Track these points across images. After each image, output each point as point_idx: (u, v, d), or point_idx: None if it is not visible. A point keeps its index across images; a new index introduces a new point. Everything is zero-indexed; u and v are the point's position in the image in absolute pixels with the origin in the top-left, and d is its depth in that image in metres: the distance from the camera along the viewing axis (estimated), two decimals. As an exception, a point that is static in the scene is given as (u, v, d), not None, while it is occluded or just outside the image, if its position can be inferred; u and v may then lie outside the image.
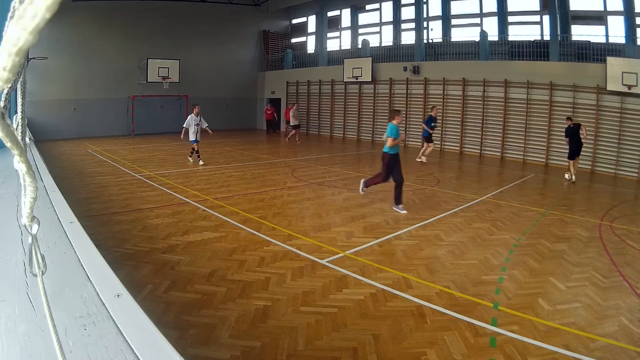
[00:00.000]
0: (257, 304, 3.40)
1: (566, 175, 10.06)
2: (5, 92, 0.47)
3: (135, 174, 8.88)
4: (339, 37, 20.86)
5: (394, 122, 6.53)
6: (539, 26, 14.04)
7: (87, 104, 16.01)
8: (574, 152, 9.68)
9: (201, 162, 10.34)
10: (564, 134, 10.00)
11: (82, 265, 1.39)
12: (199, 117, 10.24)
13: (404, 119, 15.59)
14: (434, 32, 16.69)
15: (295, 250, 4.65)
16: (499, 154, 13.56)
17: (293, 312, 3.30)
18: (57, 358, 0.74)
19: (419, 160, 11.45)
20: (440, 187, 8.47)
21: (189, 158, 10.80)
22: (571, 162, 9.82)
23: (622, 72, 10.72)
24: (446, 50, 15.90)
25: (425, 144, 11.83)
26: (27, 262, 0.80)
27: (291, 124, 15.76)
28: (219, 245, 4.74)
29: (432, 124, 11.37)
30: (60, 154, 11.70)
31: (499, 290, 3.78)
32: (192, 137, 10.28)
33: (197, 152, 10.49)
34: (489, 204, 7.12)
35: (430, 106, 12.96)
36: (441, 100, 14.91)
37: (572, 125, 9.70)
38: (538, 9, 13.98)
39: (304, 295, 3.59)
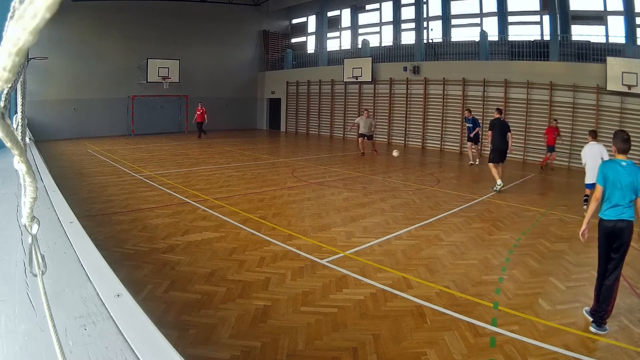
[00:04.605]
0: (257, 304, 3.40)
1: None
2: (5, 92, 0.47)
3: (135, 174, 8.87)
4: (339, 37, 20.86)
5: None
6: (539, 26, 14.04)
7: (87, 104, 16.01)
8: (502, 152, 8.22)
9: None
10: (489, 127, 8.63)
11: (82, 265, 1.39)
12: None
13: (403, 119, 15.61)
14: (434, 32, 16.70)
15: (295, 250, 4.65)
16: (499, 154, 13.55)
17: (293, 312, 3.30)
18: (57, 358, 0.74)
19: None
20: (440, 187, 8.47)
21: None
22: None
23: (622, 72, 10.71)
24: (446, 50, 15.89)
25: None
26: (27, 262, 0.80)
27: (360, 132, 12.89)
28: (219, 245, 4.74)
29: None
30: (60, 154, 11.70)
31: (499, 290, 3.78)
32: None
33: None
34: (489, 204, 7.12)
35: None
36: (441, 100, 14.91)
37: (501, 120, 8.55)
38: (538, 9, 13.98)
39: (304, 295, 3.59)
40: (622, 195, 3.20)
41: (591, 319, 3.21)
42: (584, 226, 3.39)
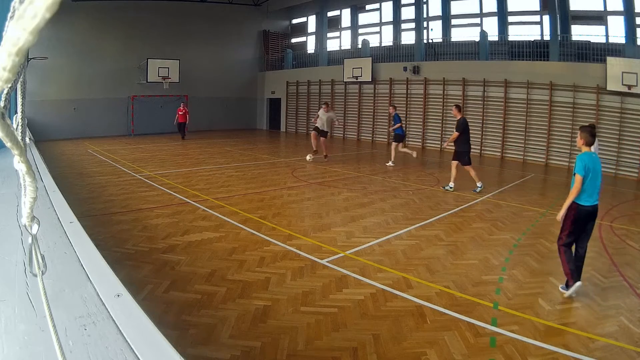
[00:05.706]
0: (257, 304, 3.40)
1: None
2: (5, 92, 0.47)
3: (135, 174, 8.87)
4: (339, 37, 20.85)
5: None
6: (539, 26, 14.03)
7: (87, 104, 16.00)
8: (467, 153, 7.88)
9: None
10: (456, 127, 7.90)
11: (82, 265, 1.39)
12: None
13: (404, 119, 15.56)
14: (434, 32, 16.70)
15: (295, 250, 4.65)
16: (499, 154, 13.55)
17: (293, 312, 3.30)
18: (57, 358, 0.74)
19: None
20: (440, 187, 8.46)
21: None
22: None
23: (622, 72, 10.71)
24: (446, 50, 15.89)
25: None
26: (27, 262, 0.80)
27: (315, 125, 11.40)
28: (219, 245, 4.74)
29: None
30: (60, 154, 11.70)
31: (499, 290, 3.78)
32: None
33: None
34: (489, 204, 7.12)
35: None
36: (441, 100, 14.91)
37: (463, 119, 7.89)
38: (538, 9, 13.98)
39: (304, 295, 3.59)
40: (596, 183, 3.68)
41: (570, 290, 3.65)
42: (562, 211, 3.74)
